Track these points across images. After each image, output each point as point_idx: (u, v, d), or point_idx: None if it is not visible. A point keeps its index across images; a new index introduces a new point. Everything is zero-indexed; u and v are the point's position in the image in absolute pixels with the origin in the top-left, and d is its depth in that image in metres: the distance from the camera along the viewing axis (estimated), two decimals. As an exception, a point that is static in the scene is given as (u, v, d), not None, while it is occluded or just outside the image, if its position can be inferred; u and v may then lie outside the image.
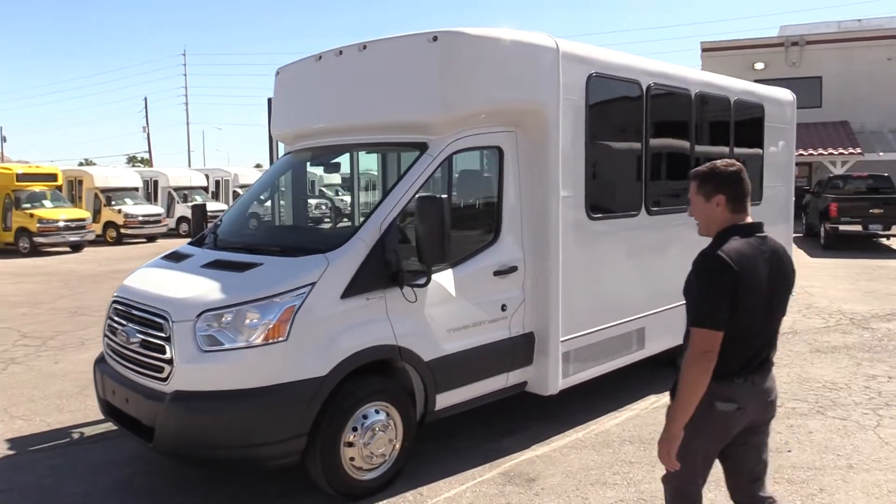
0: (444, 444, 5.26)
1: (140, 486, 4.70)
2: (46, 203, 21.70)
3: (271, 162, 7.45)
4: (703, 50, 31.08)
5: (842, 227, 17.82)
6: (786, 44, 29.76)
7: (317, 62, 5.57)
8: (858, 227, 17.75)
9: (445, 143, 4.83)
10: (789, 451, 5.13)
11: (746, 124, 7.83)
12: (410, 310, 4.53)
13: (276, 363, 4.06)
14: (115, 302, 4.89)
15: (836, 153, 26.09)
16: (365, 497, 4.41)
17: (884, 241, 19.52)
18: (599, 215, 5.78)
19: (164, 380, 4.19)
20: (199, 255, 5.00)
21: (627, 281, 6.08)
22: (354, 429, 4.32)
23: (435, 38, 4.77)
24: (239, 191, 28.91)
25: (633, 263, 6.17)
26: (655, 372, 6.50)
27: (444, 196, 4.37)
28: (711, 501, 4.15)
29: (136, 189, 26.90)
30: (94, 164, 57.11)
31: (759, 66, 29.47)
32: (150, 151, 58.29)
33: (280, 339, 4.08)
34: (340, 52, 5.36)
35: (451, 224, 4.42)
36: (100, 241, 23.92)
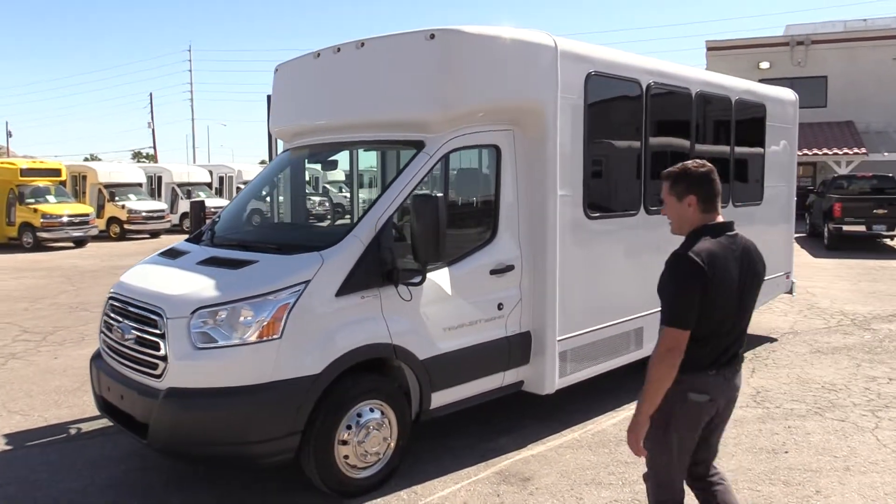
0: (440, 442, 5.26)
1: (135, 483, 4.70)
2: (50, 198, 21.76)
3: (270, 159, 7.45)
4: (709, 49, 31.02)
5: (845, 228, 17.76)
6: (791, 43, 29.67)
7: (315, 59, 5.56)
8: (862, 228, 17.68)
9: (442, 141, 4.81)
10: (786, 452, 5.11)
11: (748, 124, 7.80)
12: (406, 308, 4.52)
13: (270, 361, 4.06)
14: (111, 298, 4.89)
15: (840, 153, 26.01)
16: (359, 495, 4.40)
17: (887, 241, 19.44)
18: (598, 214, 5.77)
19: (159, 376, 4.19)
20: (196, 252, 5.00)
21: (625, 280, 6.06)
22: (349, 427, 4.31)
23: (432, 36, 4.75)
24: (242, 187, 28.89)
25: (632, 263, 6.15)
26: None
27: (440, 194, 4.36)
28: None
29: (140, 185, 26.95)
30: (100, 159, 57.42)
31: (765, 65, 29.41)
32: (154, 147, 58.50)
33: (274, 336, 4.07)
34: (338, 50, 5.35)
35: (448, 222, 4.41)
36: (103, 236, 23.99)
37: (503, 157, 5.17)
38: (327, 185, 22.22)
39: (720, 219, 2.98)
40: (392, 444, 4.54)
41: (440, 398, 4.81)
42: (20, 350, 8.34)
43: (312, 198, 9.43)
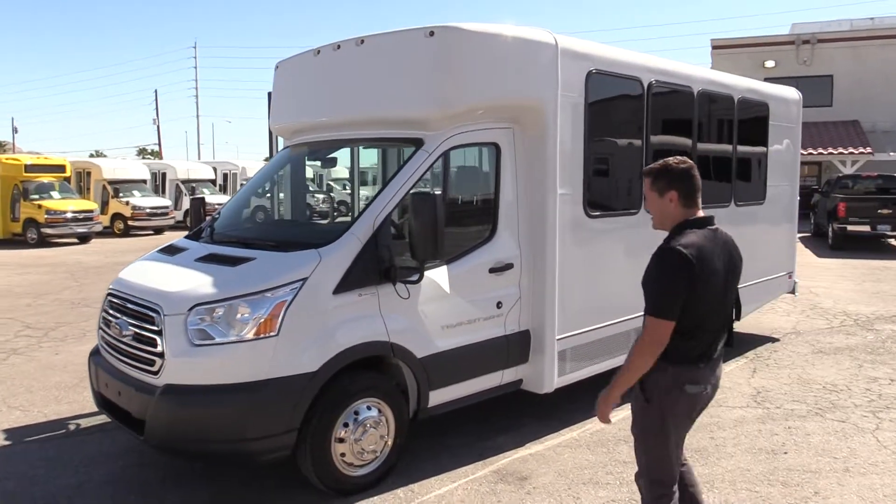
0: (438, 441, 5.25)
1: (132, 479, 4.71)
2: (54, 194, 21.82)
3: (271, 156, 7.45)
4: (714, 47, 30.93)
5: (850, 228, 17.69)
6: (797, 42, 29.56)
7: (315, 56, 5.55)
8: (867, 228, 17.60)
9: (441, 139, 4.80)
10: (785, 452, 5.09)
11: (750, 123, 7.77)
12: (403, 306, 4.51)
13: (266, 358, 4.05)
14: (109, 294, 4.89)
15: (846, 153, 25.92)
16: (356, 493, 4.40)
17: (892, 241, 19.36)
18: (598, 213, 5.74)
19: (156, 373, 4.19)
20: (194, 249, 5.00)
21: (625, 279, 5.99)
22: (346, 425, 4.31)
23: (431, 34, 4.73)
24: (246, 184, 28.93)
25: (632, 262, 6.08)
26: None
27: (438, 192, 4.35)
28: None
29: (144, 181, 27.03)
30: (105, 155, 57.48)
31: (770, 63, 29.29)
32: (159, 143, 58.52)
33: (271, 333, 4.07)
34: (338, 47, 5.33)
35: (447, 220, 4.41)
36: (107, 232, 24.03)
37: (503, 155, 5.15)
38: (331, 183, 22.23)
39: (700, 214, 3.06)
40: (389, 442, 4.54)
41: (438, 396, 4.80)
42: (22, 346, 8.37)
43: (317, 195, 9.44)
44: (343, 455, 4.31)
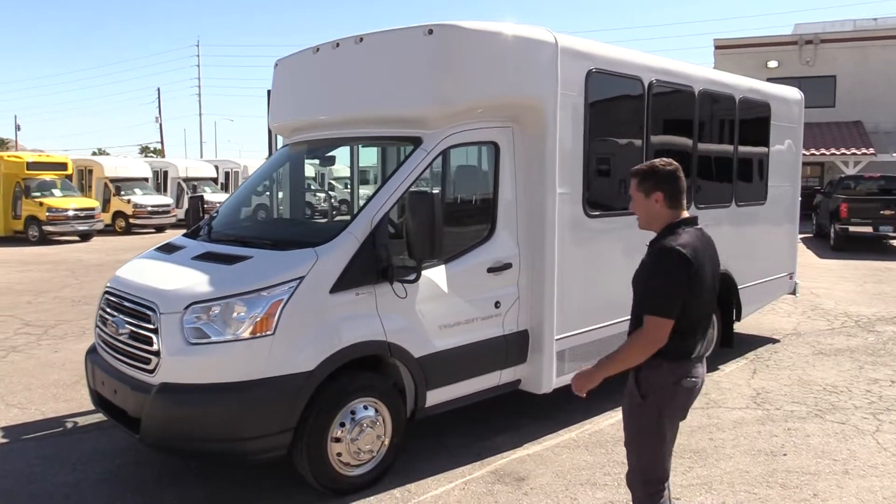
0: (436, 440, 5.23)
1: (129, 478, 4.70)
2: (56, 192, 21.83)
3: (270, 154, 7.43)
4: (717, 47, 30.85)
5: (852, 229, 17.64)
6: (800, 42, 29.47)
7: (314, 54, 5.53)
8: (869, 229, 17.56)
9: (440, 137, 4.78)
10: (785, 454, 5.06)
11: (752, 123, 7.73)
12: (401, 305, 4.49)
13: (262, 357, 4.03)
14: (106, 292, 4.88)
15: (848, 153, 25.84)
16: (352, 493, 4.38)
17: (894, 243, 19.30)
18: (598, 213, 5.72)
19: (151, 371, 4.18)
20: (192, 247, 4.98)
21: (625, 279, 5.93)
22: (342, 424, 4.29)
23: (430, 32, 4.71)
24: (247, 182, 28.90)
25: (632, 262, 6.01)
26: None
27: (436, 191, 4.33)
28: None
29: (146, 179, 27.02)
30: (107, 153, 57.52)
31: (773, 64, 29.22)
32: (162, 142, 58.56)
33: (267, 332, 4.05)
34: (337, 45, 5.31)
35: (445, 220, 4.39)
36: (109, 230, 24.05)
37: (502, 154, 5.13)
38: (333, 182, 22.20)
39: (685, 214, 3.13)
40: (386, 442, 4.52)
41: (435, 396, 4.78)
42: (21, 343, 8.36)
43: (318, 194, 9.41)
44: (339, 455, 4.29)
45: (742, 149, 7.54)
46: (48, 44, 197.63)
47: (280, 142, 6.32)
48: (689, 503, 4.34)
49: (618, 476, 4.68)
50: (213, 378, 4.04)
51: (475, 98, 4.88)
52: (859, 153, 25.73)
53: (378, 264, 4.37)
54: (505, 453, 5.05)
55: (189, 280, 4.34)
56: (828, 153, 25.91)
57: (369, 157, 6.73)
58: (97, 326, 4.95)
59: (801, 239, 9.34)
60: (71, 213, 21.21)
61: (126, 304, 4.54)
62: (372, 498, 4.37)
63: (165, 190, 28.58)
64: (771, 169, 8.05)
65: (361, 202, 6.52)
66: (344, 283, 4.27)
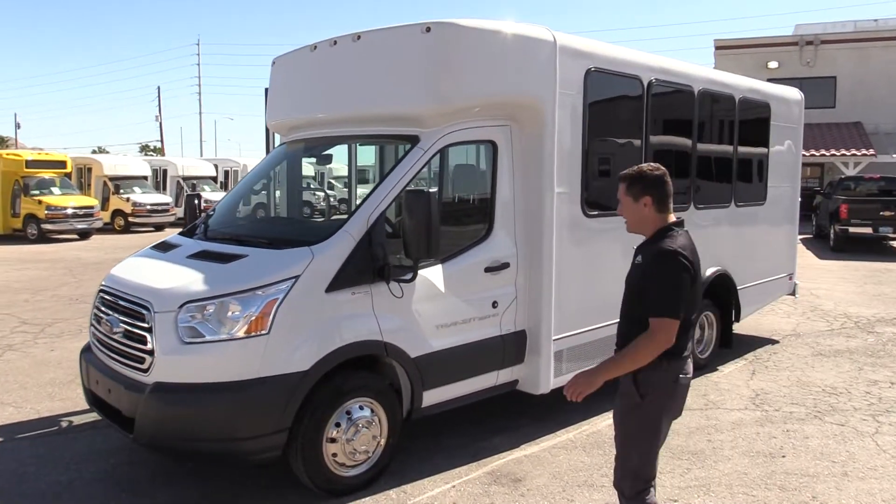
0: (433, 441, 5.20)
1: (122, 477, 4.67)
2: (55, 190, 21.80)
3: (267, 152, 7.40)
4: (717, 48, 30.83)
5: (852, 230, 17.61)
6: (800, 43, 29.45)
7: (312, 52, 5.49)
8: (868, 230, 17.53)
9: (437, 136, 4.75)
10: (783, 456, 5.03)
11: (751, 123, 7.70)
12: (397, 305, 4.46)
13: (257, 356, 4.00)
14: (101, 291, 4.85)
15: (848, 154, 25.82)
16: (347, 494, 4.35)
17: (894, 244, 19.27)
18: (596, 212, 5.69)
19: (145, 371, 4.14)
20: (187, 246, 4.95)
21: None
22: (338, 424, 4.26)
23: (428, 29, 4.68)
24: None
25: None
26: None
27: (432, 190, 4.29)
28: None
29: (145, 178, 26.98)
30: (107, 152, 57.45)
31: (773, 64, 29.20)
32: (162, 140, 58.50)
33: (262, 332, 4.01)
34: (335, 43, 5.28)
35: (442, 219, 4.36)
36: (108, 228, 24.02)
37: (500, 152, 5.10)
38: (332, 181, 22.17)
39: (673, 218, 3.17)
40: (382, 443, 4.49)
41: (432, 396, 4.75)
42: (17, 341, 8.33)
43: (317, 193, 9.37)
44: (335, 455, 4.26)
45: (742, 149, 7.51)
46: (48, 42, 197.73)
47: (278, 140, 6.28)
48: (686, 505, 4.31)
49: (615, 477, 4.65)
50: (207, 377, 4.00)
51: (473, 96, 4.85)
52: (859, 154, 25.71)
53: (374, 263, 4.34)
54: (502, 454, 5.02)
55: (184, 279, 4.30)
56: (828, 154, 25.89)
57: (367, 155, 6.70)
58: (92, 325, 4.92)
59: (800, 240, 9.31)
60: (70, 211, 21.18)
61: (120, 302, 4.51)
62: (367, 499, 4.34)
63: (165, 188, 28.54)
64: (771, 169, 8.02)
65: (359, 201, 6.53)
66: (340, 282, 4.24)
